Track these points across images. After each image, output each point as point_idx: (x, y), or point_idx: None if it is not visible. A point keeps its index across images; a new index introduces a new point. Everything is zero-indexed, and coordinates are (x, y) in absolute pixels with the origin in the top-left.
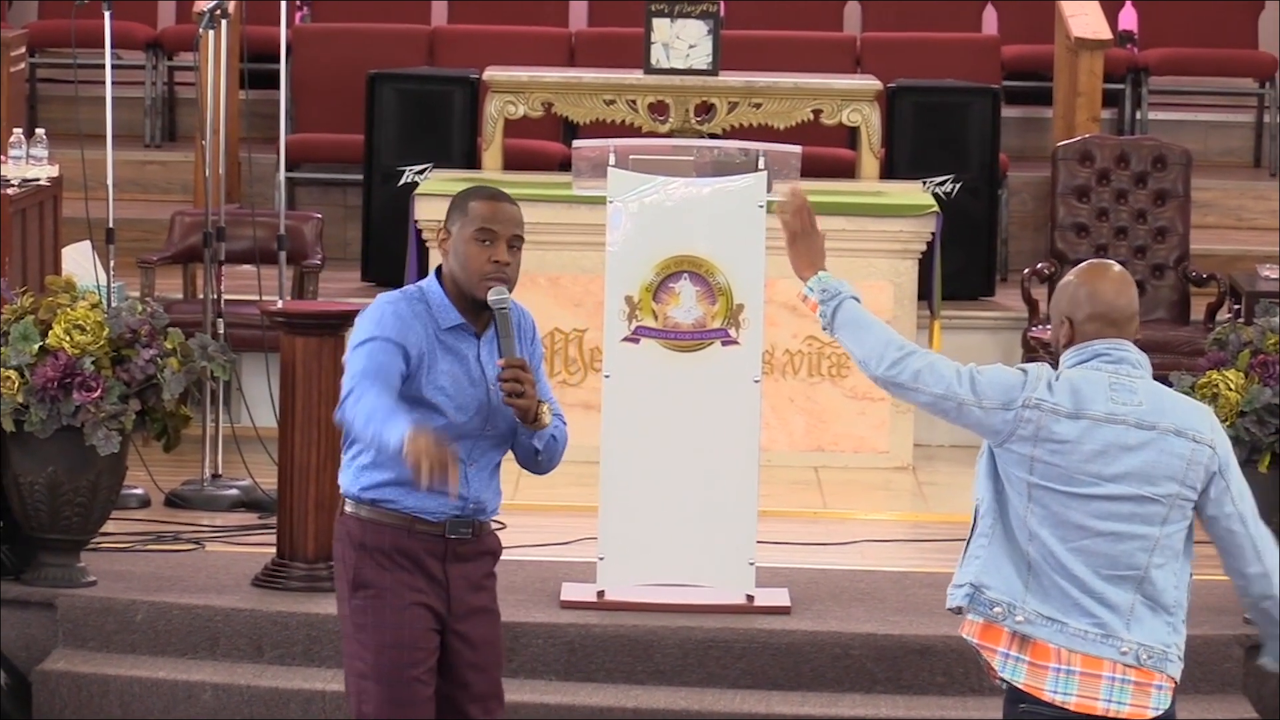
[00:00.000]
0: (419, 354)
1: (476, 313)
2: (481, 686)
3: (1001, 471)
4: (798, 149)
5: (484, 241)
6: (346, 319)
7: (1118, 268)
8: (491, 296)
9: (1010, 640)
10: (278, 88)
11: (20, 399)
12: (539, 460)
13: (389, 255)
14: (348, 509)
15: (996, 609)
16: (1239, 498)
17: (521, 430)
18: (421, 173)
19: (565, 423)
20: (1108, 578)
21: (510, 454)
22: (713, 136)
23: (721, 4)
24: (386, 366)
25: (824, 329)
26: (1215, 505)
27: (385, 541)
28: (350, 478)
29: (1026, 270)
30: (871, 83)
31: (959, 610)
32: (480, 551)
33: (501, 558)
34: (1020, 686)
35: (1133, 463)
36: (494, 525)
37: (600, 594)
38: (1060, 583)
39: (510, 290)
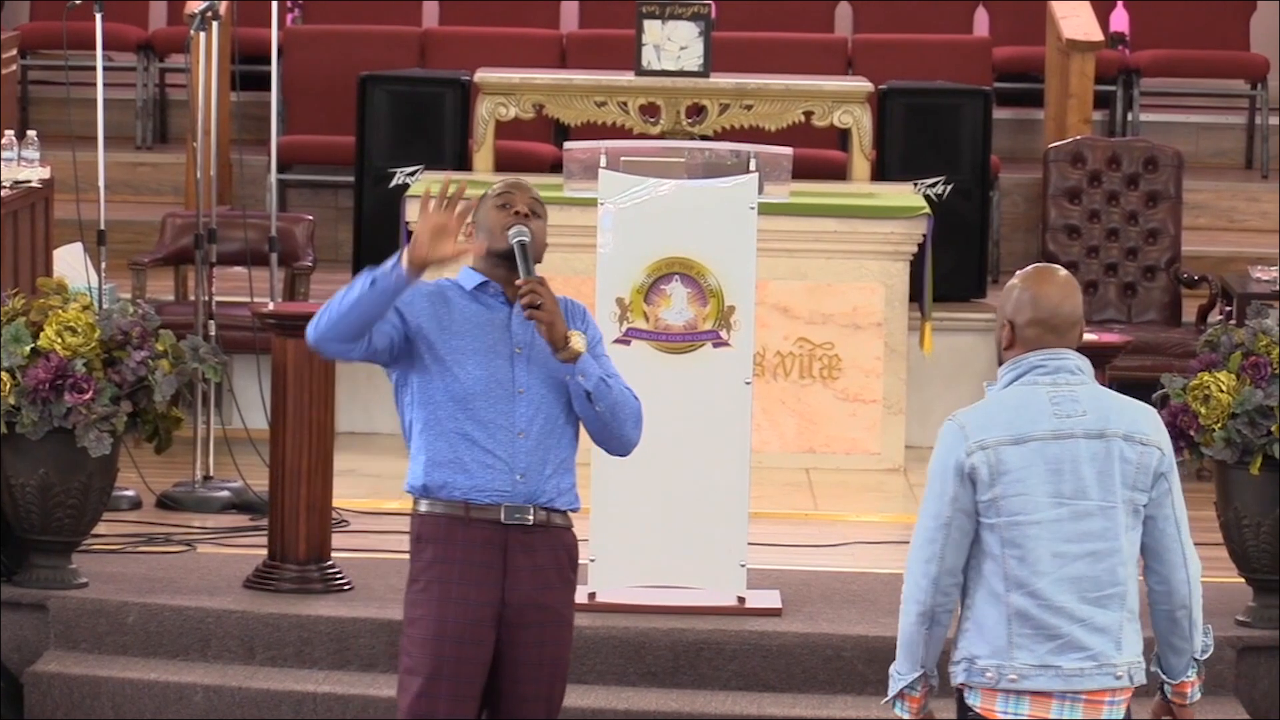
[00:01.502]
0: (423, 303)
1: (507, 279)
2: (531, 688)
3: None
4: (789, 151)
5: (502, 206)
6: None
7: (1064, 273)
8: (513, 231)
9: (1006, 696)
10: (269, 89)
11: (12, 400)
12: (598, 412)
13: (380, 257)
14: (416, 508)
15: (988, 674)
16: (1178, 500)
17: (565, 371)
18: (413, 174)
19: (638, 399)
20: (1095, 600)
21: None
22: (704, 138)
23: (713, 6)
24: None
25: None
26: (1155, 506)
27: (440, 532)
28: (410, 474)
29: (1018, 272)
30: (863, 84)
31: (962, 687)
32: (549, 546)
33: None
34: (977, 708)
35: (1089, 474)
36: (559, 521)
37: (591, 596)
38: (1050, 621)
39: (539, 254)
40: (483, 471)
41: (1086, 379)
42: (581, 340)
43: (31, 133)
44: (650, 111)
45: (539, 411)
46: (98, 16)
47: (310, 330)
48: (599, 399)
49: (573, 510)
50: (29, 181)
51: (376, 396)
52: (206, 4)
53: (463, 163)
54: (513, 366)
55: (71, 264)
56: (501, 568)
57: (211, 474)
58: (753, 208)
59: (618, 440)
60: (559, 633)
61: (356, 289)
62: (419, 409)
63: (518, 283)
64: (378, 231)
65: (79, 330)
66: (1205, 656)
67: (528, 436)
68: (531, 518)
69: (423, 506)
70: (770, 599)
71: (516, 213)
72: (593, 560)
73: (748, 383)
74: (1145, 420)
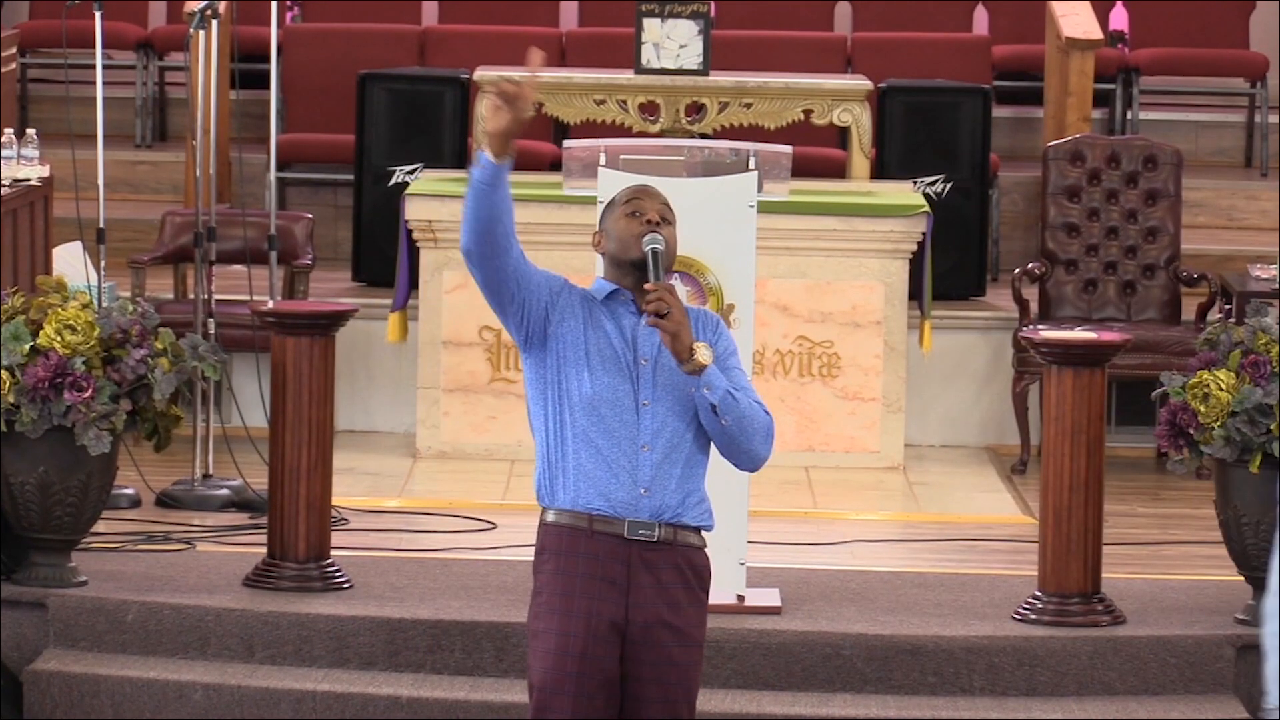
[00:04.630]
0: (566, 304)
1: (636, 288)
2: (657, 709)
3: None
4: (788, 149)
5: (633, 214)
6: (337, 319)
7: None
8: (647, 239)
9: None
10: (268, 88)
11: (11, 399)
12: (724, 426)
13: (380, 255)
14: (543, 516)
15: None
16: None
17: (691, 384)
18: (412, 173)
19: (769, 414)
20: None
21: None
22: (703, 136)
23: (712, 4)
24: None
25: None
26: None
27: (564, 544)
28: (536, 478)
29: (1017, 270)
30: (862, 83)
31: None
32: (675, 563)
33: (495, 559)
34: None
35: None
36: (688, 539)
37: None
38: None
39: (671, 262)
40: (607, 483)
41: None
42: (708, 353)
43: (31, 131)
44: (650, 110)
45: (665, 425)
46: (97, 15)
47: (461, 241)
48: (725, 412)
49: (705, 529)
50: (28, 180)
51: (376, 395)
52: (206, 2)
53: (462, 161)
54: (638, 378)
55: (71, 262)
56: (625, 583)
57: (211, 472)
58: (752, 206)
59: (746, 455)
60: (688, 654)
61: (468, 192)
62: (549, 409)
63: (646, 287)
64: (377, 230)
65: (78, 328)
66: None
67: (652, 450)
68: (656, 534)
69: (549, 516)
70: (770, 597)
71: (648, 221)
72: None
73: None
74: None
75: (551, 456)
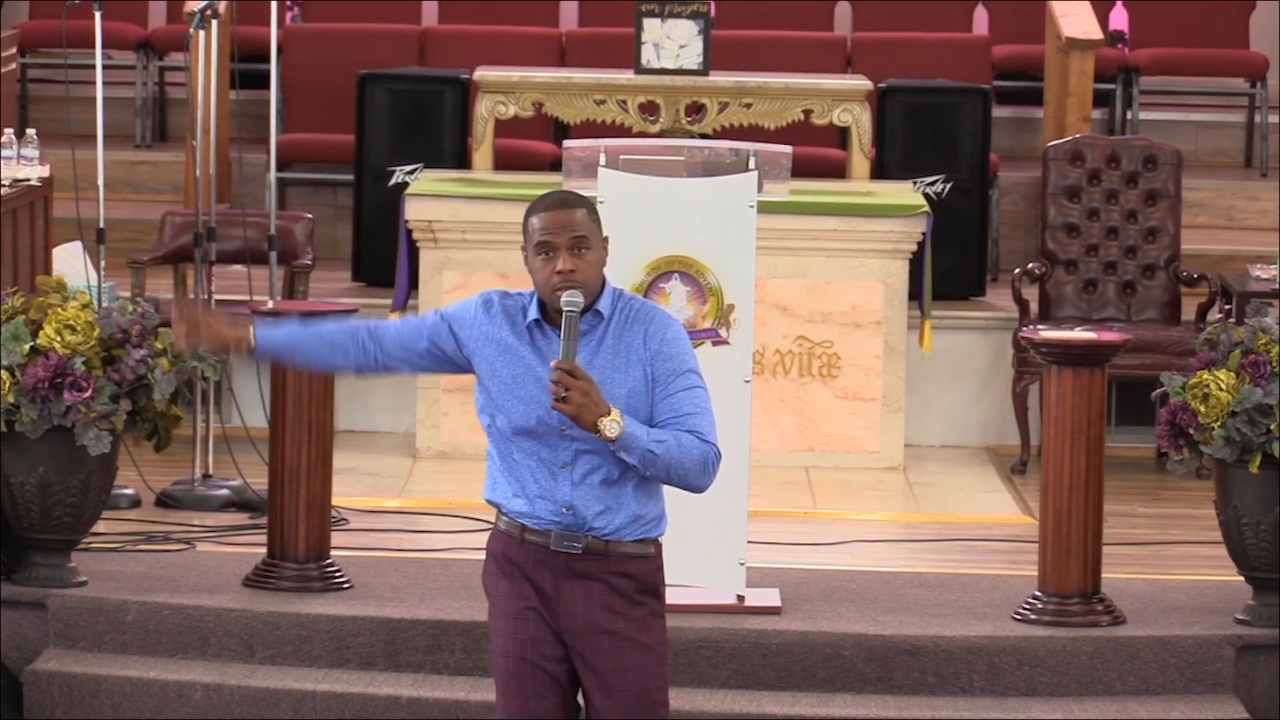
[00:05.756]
0: (479, 338)
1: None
2: (607, 713)
3: None
4: (788, 149)
5: (545, 254)
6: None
7: None
8: (563, 300)
9: None
10: (268, 88)
11: (11, 399)
12: (651, 474)
13: (379, 256)
14: (495, 521)
15: None
16: None
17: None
18: (412, 173)
19: (708, 441)
20: None
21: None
22: (703, 137)
23: (712, 4)
24: (396, 327)
25: None
26: None
27: (499, 549)
28: (486, 486)
29: (1017, 270)
30: (862, 83)
31: None
32: (606, 574)
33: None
34: None
35: None
36: (622, 549)
37: None
38: None
39: (589, 292)
40: (532, 500)
41: None
42: (614, 426)
43: (31, 131)
44: (650, 110)
45: (585, 449)
46: (97, 15)
47: None
48: (645, 467)
49: (647, 538)
50: (28, 180)
51: (376, 395)
52: (206, 2)
53: (462, 161)
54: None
55: (71, 262)
56: (555, 593)
57: (211, 472)
58: (752, 206)
59: (683, 488)
60: (636, 658)
61: None
62: (487, 421)
63: (553, 364)
64: (377, 230)
65: (78, 329)
66: None
67: (572, 469)
68: (581, 545)
69: (498, 523)
70: (769, 597)
71: (559, 272)
72: None
73: (747, 381)
74: None
75: (491, 465)
